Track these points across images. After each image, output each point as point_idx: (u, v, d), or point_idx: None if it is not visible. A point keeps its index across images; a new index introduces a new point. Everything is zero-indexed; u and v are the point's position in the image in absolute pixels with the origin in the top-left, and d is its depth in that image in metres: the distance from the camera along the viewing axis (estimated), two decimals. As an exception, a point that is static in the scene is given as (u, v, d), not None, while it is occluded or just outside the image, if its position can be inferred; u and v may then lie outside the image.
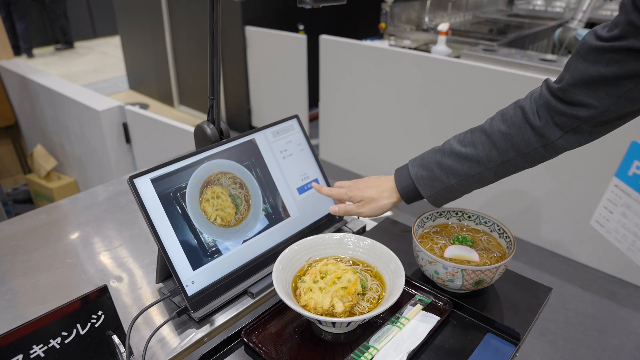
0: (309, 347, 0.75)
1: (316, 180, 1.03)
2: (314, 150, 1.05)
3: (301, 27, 3.81)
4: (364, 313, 0.73)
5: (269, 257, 0.90)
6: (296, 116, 1.04)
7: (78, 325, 0.67)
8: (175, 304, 0.83)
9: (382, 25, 3.57)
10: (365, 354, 0.72)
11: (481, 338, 0.78)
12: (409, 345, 0.74)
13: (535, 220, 2.54)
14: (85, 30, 8.09)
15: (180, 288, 0.77)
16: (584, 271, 2.39)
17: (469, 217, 0.95)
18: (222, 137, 0.93)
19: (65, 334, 0.65)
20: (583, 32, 3.11)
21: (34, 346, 0.62)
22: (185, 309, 0.78)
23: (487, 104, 2.48)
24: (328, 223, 1.03)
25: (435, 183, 0.85)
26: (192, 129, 1.82)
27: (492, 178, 0.83)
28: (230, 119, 4.20)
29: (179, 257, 0.79)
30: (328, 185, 1.04)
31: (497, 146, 0.79)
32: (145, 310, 0.78)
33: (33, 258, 1.00)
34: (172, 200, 0.81)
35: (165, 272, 0.86)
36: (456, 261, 0.83)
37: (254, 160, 0.94)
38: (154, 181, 0.79)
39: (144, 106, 4.90)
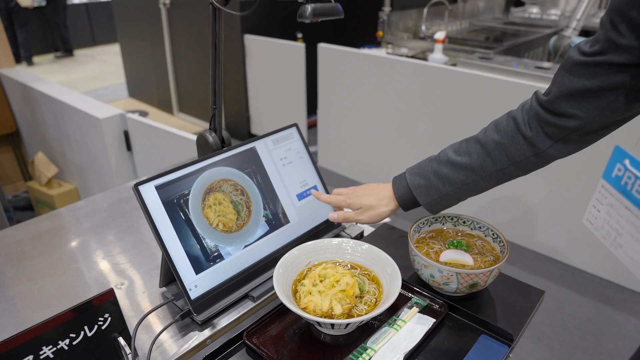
0: (308, 348, 0.77)
1: (315, 187, 1.05)
2: (313, 157, 1.08)
3: (299, 35, 3.86)
4: (361, 315, 0.76)
5: (270, 261, 0.92)
6: (295, 125, 1.07)
7: (85, 328, 0.69)
8: (178, 308, 0.85)
9: (380, 33, 3.62)
10: (363, 355, 0.74)
11: (475, 339, 0.81)
12: (405, 347, 0.76)
13: (531, 226, 2.57)
14: (84, 38, 8.15)
15: (183, 292, 0.80)
16: (580, 276, 2.41)
17: (464, 222, 0.98)
18: (223, 145, 0.96)
19: (74, 335, 0.68)
20: (577, 40, 3.15)
21: (44, 347, 0.65)
22: (189, 312, 0.81)
23: (483, 111, 2.51)
24: (327, 229, 1.05)
25: (431, 191, 0.88)
26: (192, 137, 1.85)
27: (486, 186, 0.86)
28: (229, 126, 4.23)
29: (183, 262, 0.81)
30: (327, 192, 1.07)
31: (491, 155, 0.82)
32: (150, 313, 0.81)
33: (38, 263, 1.03)
34: (175, 207, 0.83)
35: (169, 276, 0.89)
36: (451, 265, 0.86)
37: (254, 167, 0.96)
38: (158, 188, 0.82)
39: (144, 113, 4.93)
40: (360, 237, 1.10)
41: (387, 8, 3.61)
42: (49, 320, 0.65)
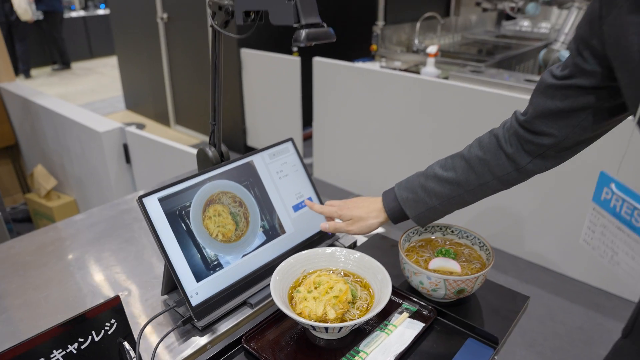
0: (304, 352, 0.81)
1: (310, 199, 1.10)
2: (308, 170, 1.12)
3: (295, 49, 3.93)
4: (354, 319, 0.80)
5: (267, 270, 0.97)
6: (291, 139, 1.12)
7: (93, 332, 0.73)
8: (179, 314, 0.89)
9: (374, 47, 3.69)
10: (356, 358, 0.79)
11: (463, 342, 0.85)
12: (396, 350, 0.80)
13: (524, 236, 2.62)
14: (82, 51, 8.21)
15: (185, 299, 0.84)
16: (571, 284, 2.46)
17: (452, 231, 1.03)
18: (222, 159, 1.01)
19: (82, 340, 0.72)
20: (566, 53, 3.23)
21: (54, 350, 0.69)
22: (190, 318, 0.85)
23: (474, 123, 2.57)
24: (321, 239, 1.10)
25: (419, 204, 0.93)
26: (190, 149, 1.90)
27: (471, 199, 0.91)
28: (226, 139, 4.26)
29: (184, 270, 0.85)
30: (321, 203, 1.11)
31: (475, 170, 0.87)
32: (154, 318, 0.85)
33: (43, 273, 1.06)
34: (177, 218, 0.88)
35: (171, 284, 0.93)
36: (439, 272, 0.90)
37: (252, 180, 1.01)
38: (161, 200, 0.86)
39: (141, 126, 4.98)
40: (353, 246, 1.14)
41: (380, 22, 3.70)
42: (59, 326, 0.69)
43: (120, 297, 0.96)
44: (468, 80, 2.85)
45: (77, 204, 2.80)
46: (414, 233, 1.01)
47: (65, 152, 2.59)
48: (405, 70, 3.34)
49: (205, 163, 1.00)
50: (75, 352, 0.71)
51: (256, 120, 3.99)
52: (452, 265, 0.94)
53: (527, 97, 2.56)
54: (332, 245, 1.10)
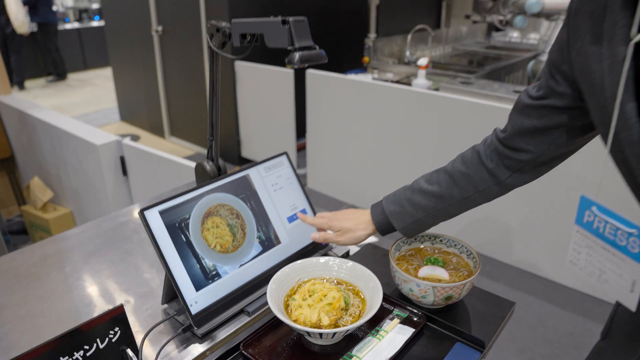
0: (299, 357, 0.85)
1: (304, 211, 1.14)
2: (302, 183, 1.17)
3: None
4: (347, 325, 0.84)
5: (263, 279, 1.00)
6: (285, 153, 1.16)
7: (98, 340, 0.77)
8: (179, 323, 0.93)
9: (366, 59, 3.76)
10: (349, 362, 0.82)
11: (451, 347, 0.89)
12: (387, 354, 0.84)
13: (514, 244, 2.67)
14: (76, 62, 8.25)
15: (185, 307, 0.88)
16: (561, 291, 2.51)
17: (441, 240, 1.07)
18: (220, 173, 1.05)
19: (87, 347, 0.75)
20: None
21: (61, 357, 0.72)
22: (190, 326, 0.89)
23: (464, 133, 2.63)
24: (315, 249, 1.14)
25: (406, 217, 0.98)
26: (187, 162, 1.94)
27: (455, 212, 0.96)
28: (220, 150, 4.31)
29: (184, 280, 0.89)
30: (314, 213, 1.16)
31: (458, 184, 0.92)
32: (156, 326, 0.88)
33: (46, 284, 1.10)
34: (177, 230, 0.92)
35: (171, 294, 0.96)
36: (428, 280, 0.94)
37: (248, 193, 1.05)
38: (161, 213, 0.90)
39: (135, 137, 5.01)
40: (346, 255, 1.18)
41: (372, 35, 3.76)
42: (66, 334, 0.73)
43: (122, 306, 1.00)
44: (458, 91, 2.91)
45: (74, 215, 2.83)
46: (404, 243, 1.06)
47: (61, 164, 2.62)
48: (397, 81, 3.41)
49: (203, 177, 1.04)
50: (81, 359, 0.74)
51: (250, 132, 4.03)
52: (441, 273, 0.98)
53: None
54: (325, 254, 1.14)
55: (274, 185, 1.11)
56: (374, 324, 0.91)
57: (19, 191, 3.30)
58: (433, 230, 1.06)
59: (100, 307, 1.02)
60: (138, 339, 0.85)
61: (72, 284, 1.10)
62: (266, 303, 0.95)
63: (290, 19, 0.76)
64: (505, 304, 1.01)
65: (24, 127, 2.84)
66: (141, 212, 0.88)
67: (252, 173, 1.08)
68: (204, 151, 4.47)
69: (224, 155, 4.31)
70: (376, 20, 3.75)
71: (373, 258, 1.15)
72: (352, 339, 0.88)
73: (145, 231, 0.88)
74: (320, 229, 1.09)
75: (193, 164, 1.93)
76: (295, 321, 0.84)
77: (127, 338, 0.81)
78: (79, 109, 6.24)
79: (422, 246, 1.07)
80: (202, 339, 0.90)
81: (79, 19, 8.80)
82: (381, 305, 0.87)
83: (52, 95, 6.97)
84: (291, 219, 1.12)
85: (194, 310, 0.89)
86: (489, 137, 0.91)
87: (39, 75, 7.72)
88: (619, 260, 0.69)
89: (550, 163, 0.85)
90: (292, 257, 1.08)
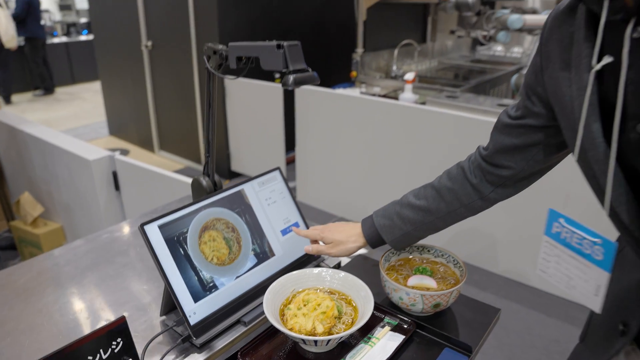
0: (295, 365, 0.88)
1: (297, 224, 1.19)
2: (294, 197, 1.21)
3: (277, 75, 4.05)
4: (340, 333, 0.88)
5: (259, 290, 1.04)
6: (278, 168, 1.21)
7: (101, 351, 0.79)
8: (178, 334, 0.96)
9: (354, 73, 3.83)
10: (343, 369, 0.86)
11: (440, 352, 0.94)
12: (379, 360, 0.88)
13: (501, 255, 2.73)
14: (64, 76, 8.24)
15: (184, 318, 0.91)
16: (547, 298, 2.57)
17: (428, 251, 1.12)
18: (216, 188, 1.09)
19: (91, 357, 0.78)
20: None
21: (67, 369, 0.75)
22: (189, 337, 0.92)
23: (451, 147, 2.70)
24: (308, 260, 1.18)
25: (395, 230, 1.02)
26: (179, 177, 1.97)
27: (441, 225, 1.01)
28: (210, 163, 4.34)
29: (183, 292, 0.92)
30: (307, 226, 1.20)
31: (444, 199, 0.97)
32: (156, 337, 0.91)
33: (45, 298, 1.12)
34: (175, 244, 0.95)
35: (169, 305, 0.99)
36: (417, 288, 0.99)
37: (243, 207, 1.09)
38: (160, 227, 0.94)
39: (125, 152, 5.02)
40: (338, 266, 1.22)
41: (360, 49, 3.84)
42: (69, 346, 0.76)
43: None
44: (445, 105, 2.99)
45: (65, 230, 2.83)
46: (393, 254, 1.10)
47: (52, 179, 2.63)
48: (384, 96, 3.48)
49: (199, 192, 1.08)
50: (85, 369, 0.77)
51: (240, 146, 4.07)
52: (429, 281, 1.02)
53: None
54: (318, 266, 1.18)
55: (268, 199, 1.15)
56: (366, 331, 0.95)
57: (8, 206, 3.29)
58: (421, 241, 1.10)
59: (99, 319, 1.04)
60: (138, 350, 0.88)
61: (70, 298, 1.12)
62: (262, 313, 0.99)
63: (285, 43, 0.81)
64: (491, 310, 1.06)
65: (13, 142, 2.84)
66: (141, 227, 0.91)
67: (247, 188, 1.12)
68: (194, 165, 4.50)
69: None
70: (363, 36, 3.83)
71: (363, 269, 1.19)
72: (345, 346, 0.92)
73: (140, 245, 0.91)
74: (313, 241, 1.13)
75: (186, 179, 1.96)
76: (291, 329, 0.87)
77: (129, 348, 0.83)
78: (67, 123, 6.23)
79: (410, 256, 1.12)
80: (200, 348, 0.93)
81: (67, 33, 8.82)
82: (372, 314, 0.91)
83: (40, 109, 6.95)
84: (284, 232, 1.16)
85: (193, 320, 0.92)
86: (473, 154, 0.97)
87: (26, 89, 7.70)
88: (585, 267, 0.74)
89: (529, 178, 0.91)
90: (285, 268, 1.12)
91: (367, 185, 3.23)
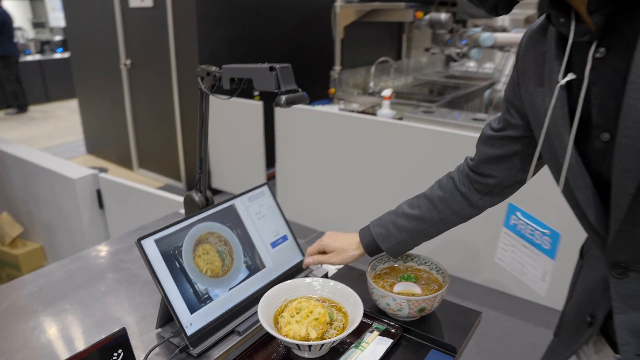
0: (289, 371, 0.92)
1: (285, 237, 1.23)
2: (282, 211, 1.26)
3: (256, 93, 4.10)
4: (333, 337, 0.92)
5: (251, 300, 1.08)
6: (266, 184, 1.26)
7: (103, 362, 0.82)
8: (174, 345, 0.99)
9: (332, 90, 3.91)
10: (335, 372, 0.90)
11: (426, 354, 0.99)
12: (369, 364, 0.93)
13: (481, 264, 2.81)
14: (37, 94, 8.13)
15: (181, 329, 0.94)
16: (524, 305, 2.65)
17: (412, 259, 1.17)
18: (208, 204, 1.13)
19: (94, 369, 0.81)
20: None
21: (71, 380, 0.77)
22: (185, 347, 0.95)
23: (429, 160, 2.78)
24: (297, 272, 1.23)
25: (391, 238, 1.08)
26: (164, 194, 2.00)
27: (435, 232, 1.08)
28: (190, 180, 4.36)
29: (179, 304, 0.96)
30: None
31: (436, 207, 1.04)
32: (155, 348, 0.94)
33: (38, 316, 1.13)
34: (171, 257, 0.99)
35: (165, 318, 1.02)
36: (403, 294, 1.04)
37: (235, 221, 1.13)
38: (157, 242, 0.97)
39: (103, 170, 4.98)
40: (325, 277, 1.27)
41: (337, 67, 3.93)
42: (75, 355, 0.78)
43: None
44: (421, 120, 3.08)
45: (45, 250, 2.80)
46: (378, 262, 1.16)
47: (32, 198, 2.61)
48: (363, 112, 3.56)
49: (192, 207, 1.12)
50: (88, 380, 0.80)
51: (220, 162, 4.09)
52: (414, 288, 1.08)
53: (475, 135, 2.82)
54: (307, 276, 1.23)
55: (257, 213, 1.20)
56: (356, 337, 1.00)
57: (-16, 227, 3.23)
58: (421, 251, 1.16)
59: (96, 334, 1.06)
60: (137, 361, 0.91)
61: (65, 314, 1.13)
62: (255, 322, 1.03)
63: (277, 65, 0.87)
64: (472, 313, 1.11)
65: (-8, 163, 2.82)
66: (138, 242, 0.94)
67: (237, 203, 1.16)
68: (174, 183, 4.49)
69: (194, 186, 4.34)
70: (341, 53, 3.93)
71: (350, 278, 1.24)
72: (337, 351, 0.96)
73: (130, 262, 0.94)
74: (311, 254, 1.18)
75: (172, 196, 1.99)
76: (285, 336, 0.91)
77: (130, 359, 0.86)
78: (42, 141, 6.15)
79: (395, 265, 1.17)
80: (197, 358, 0.96)
81: (41, 51, 8.73)
82: (361, 320, 0.95)
83: (13, 128, 6.84)
84: (274, 244, 1.20)
85: (190, 331, 0.95)
86: (461, 165, 1.05)
87: (-2, 108, 7.58)
88: (535, 255, 0.83)
89: (513, 186, 0.98)
90: (276, 279, 1.16)
91: (347, 200, 3.29)
